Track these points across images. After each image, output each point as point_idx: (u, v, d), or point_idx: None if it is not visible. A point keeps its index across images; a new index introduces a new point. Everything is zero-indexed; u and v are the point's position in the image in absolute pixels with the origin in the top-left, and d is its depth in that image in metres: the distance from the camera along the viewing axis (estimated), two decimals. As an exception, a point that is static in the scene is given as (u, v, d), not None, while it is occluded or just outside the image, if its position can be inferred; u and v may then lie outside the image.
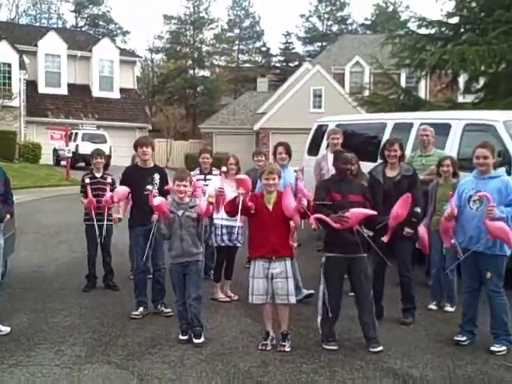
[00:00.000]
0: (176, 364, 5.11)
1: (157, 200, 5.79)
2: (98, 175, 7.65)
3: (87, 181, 7.51)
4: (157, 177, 6.63)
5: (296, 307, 6.67)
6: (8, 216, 6.05)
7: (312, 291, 6.96)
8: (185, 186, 5.72)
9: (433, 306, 6.86)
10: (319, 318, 5.64)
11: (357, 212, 5.38)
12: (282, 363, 5.17)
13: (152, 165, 6.75)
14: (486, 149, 5.55)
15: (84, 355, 5.28)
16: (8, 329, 5.85)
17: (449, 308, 6.77)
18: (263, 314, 5.63)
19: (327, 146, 9.25)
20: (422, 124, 8.52)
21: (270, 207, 5.51)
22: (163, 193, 6.64)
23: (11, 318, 6.23)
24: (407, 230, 6.18)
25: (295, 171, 6.84)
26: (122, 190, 6.56)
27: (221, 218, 6.76)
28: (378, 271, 6.21)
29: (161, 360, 5.19)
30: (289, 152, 7.31)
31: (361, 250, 5.52)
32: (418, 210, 6.23)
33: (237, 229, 6.88)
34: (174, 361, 5.18)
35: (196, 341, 5.57)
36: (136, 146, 6.66)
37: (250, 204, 5.45)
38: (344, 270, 5.59)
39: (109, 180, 7.62)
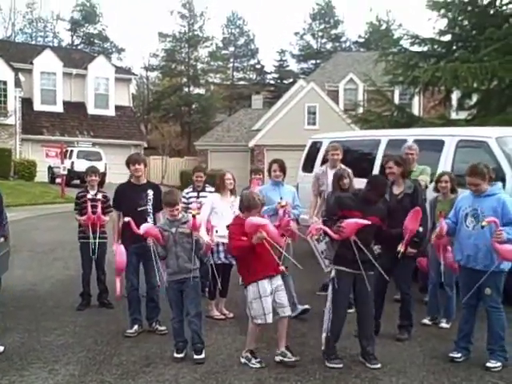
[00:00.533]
0: (171, 383, 5.07)
1: (142, 228, 5.76)
2: (93, 192, 7.65)
3: (89, 196, 7.52)
4: (150, 193, 6.62)
5: (291, 324, 6.64)
6: (1, 239, 6.03)
7: (307, 306, 6.96)
8: (177, 209, 5.74)
9: (427, 321, 6.85)
10: (324, 335, 5.62)
11: (351, 222, 5.41)
12: (277, 381, 5.14)
13: (145, 181, 6.76)
14: (475, 177, 5.52)
15: (78, 374, 5.25)
16: (1, 348, 5.81)
17: (444, 324, 6.77)
18: (254, 333, 5.56)
19: (323, 162, 9.25)
20: (415, 141, 8.57)
21: None
22: (158, 209, 6.66)
23: (4, 337, 6.18)
24: (410, 250, 6.14)
25: (279, 203, 6.59)
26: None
27: (218, 235, 6.77)
28: (378, 287, 6.20)
29: (155, 379, 5.16)
30: (283, 169, 7.32)
31: (369, 267, 5.54)
32: (421, 229, 6.16)
33: None
34: (169, 380, 5.14)
35: (197, 357, 5.56)
36: (128, 163, 6.67)
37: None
38: (351, 285, 5.59)
39: (99, 196, 7.60)
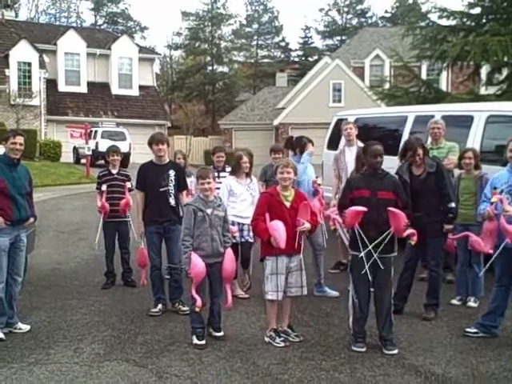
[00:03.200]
0: (195, 361, 5.07)
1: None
2: (114, 172, 7.65)
3: (104, 188, 7.47)
4: (172, 173, 6.55)
5: (316, 304, 6.63)
6: (32, 219, 6.04)
7: (337, 294, 6.92)
8: (208, 183, 5.57)
9: (456, 301, 6.73)
10: (351, 318, 5.53)
11: (350, 210, 5.32)
12: (301, 360, 5.11)
13: (167, 161, 6.68)
14: None
15: (103, 353, 5.27)
16: (28, 327, 5.86)
17: (472, 303, 6.64)
18: (272, 310, 5.54)
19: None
20: (443, 117, 8.37)
21: (288, 204, 5.47)
22: (181, 189, 6.62)
23: (31, 316, 6.25)
24: (446, 227, 6.14)
25: (316, 180, 6.82)
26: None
27: (232, 214, 6.71)
28: (408, 266, 6.24)
29: (179, 358, 5.16)
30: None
31: (387, 250, 5.38)
32: (452, 204, 6.11)
33: (248, 226, 6.78)
34: (193, 358, 5.13)
35: (219, 334, 5.62)
36: (151, 143, 6.59)
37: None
38: (369, 268, 5.39)
39: (121, 177, 7.63)
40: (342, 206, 5.58)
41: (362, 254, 5.29)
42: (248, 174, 7.17)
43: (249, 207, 6.88)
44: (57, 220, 12.79)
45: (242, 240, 6.98)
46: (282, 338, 5.45)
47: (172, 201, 6.50)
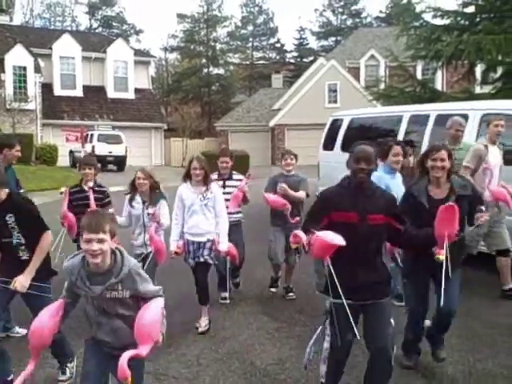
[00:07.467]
0: (192, 363, 5.06)
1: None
2: (86, 188, 6.25)
3: (62, 189, 6.17)
4: (10, 219, 4.45)
5: (313, 302, 6.59)
6: None
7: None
8: (100, 240, 3.18)
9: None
10: (322, 367, 4.24)
11: (320, 239, 3.58)
12: (299, 360, 5.08)
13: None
14: None
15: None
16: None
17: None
18: None
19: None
20: (438, 115, 8.37)
21: None
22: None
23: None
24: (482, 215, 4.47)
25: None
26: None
27: (185, 232, 5.91)
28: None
29: (177, 359, 5.15)
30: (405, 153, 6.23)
31: (379, 293, 3.88)
32: (483, 208, 4.56)
33: (204, 243, 5.82)
34: (191, 360, 5.13)
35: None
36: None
37: None
38: (356, 317, 3.88)
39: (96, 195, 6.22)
40: (306, 230, 3.78)
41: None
42: (205, 182, 5.79)
43: (203, 222, 5.80)
44: (54, 224, 12.72)
45: (198, 260, 5.83)
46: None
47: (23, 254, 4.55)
